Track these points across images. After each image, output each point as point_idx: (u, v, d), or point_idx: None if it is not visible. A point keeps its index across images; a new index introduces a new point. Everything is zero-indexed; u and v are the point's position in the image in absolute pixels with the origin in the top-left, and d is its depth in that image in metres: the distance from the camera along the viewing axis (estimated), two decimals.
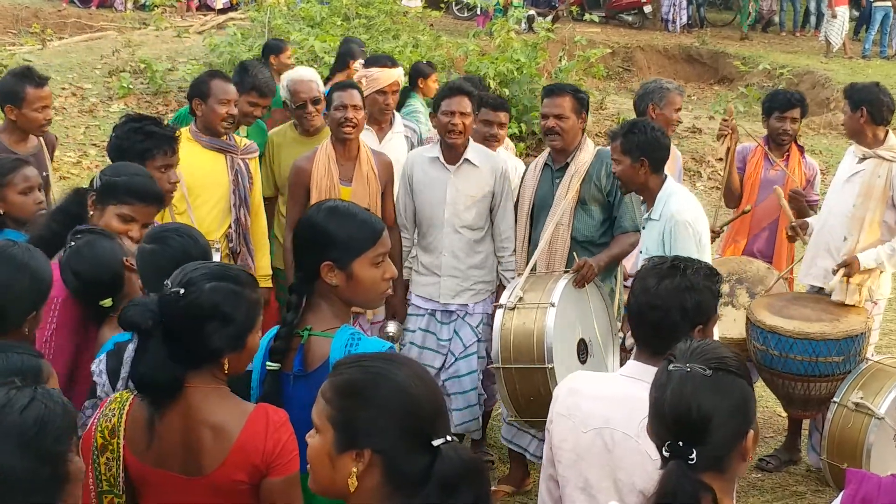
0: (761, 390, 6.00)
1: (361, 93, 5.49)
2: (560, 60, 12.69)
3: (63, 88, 12.69)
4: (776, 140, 6.31)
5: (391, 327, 5.51)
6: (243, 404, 2.67)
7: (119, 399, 2.68)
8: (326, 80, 7.27)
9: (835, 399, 5.26)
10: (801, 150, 6.46)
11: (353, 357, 2.22)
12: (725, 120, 6.24)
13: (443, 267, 5.52)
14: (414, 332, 5.61)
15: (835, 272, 5.55)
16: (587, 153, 5.39)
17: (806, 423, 6.05)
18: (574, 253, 5.26)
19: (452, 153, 5.49)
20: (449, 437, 2.02)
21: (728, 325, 5.67)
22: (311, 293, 3.02)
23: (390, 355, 2.20)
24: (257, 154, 5.65)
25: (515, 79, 12.20)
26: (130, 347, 2.94)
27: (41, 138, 5.57)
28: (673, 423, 2.13)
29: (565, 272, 5.15)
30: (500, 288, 5.53)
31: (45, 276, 3.08)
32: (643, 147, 4.87)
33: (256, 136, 6.03)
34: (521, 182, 5.64)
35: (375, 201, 5.38)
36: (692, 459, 2.09)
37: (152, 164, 4.20)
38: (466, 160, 5.48)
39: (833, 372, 5.32)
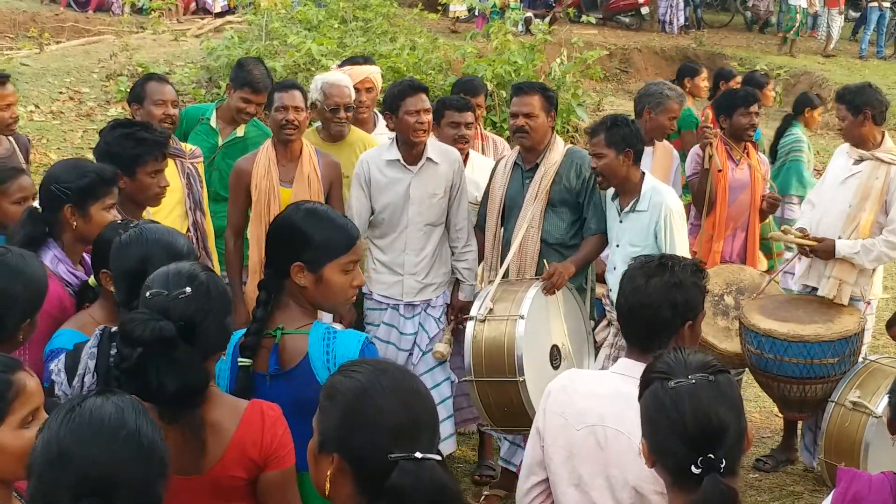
0: (758, 390, 6.02)
1: (304, 93, 5.44)
2: (559, 62, 12.66)
3: (60, 92, 12.70)
4: (742, 136, 6.27)
5: (440, 346, 5.46)
6: (236, 401, 2.70)
7: None
8: None
9: (832, 398, 5.27)
10: (755, 145, 6.47)
11: (355, 361, 2.23)
12: (707, 126, 6.17)
13: (406, 265, 5.48)
14: (378, 326, 5.55)
15: (799, 237, 5.57)
16: (557, 153, 5.36)
17: (801, 423, 6.06)
18: (544, 259, 5.24)
19: (413, 153, 5.41)
20: (419, 455, 1.96)
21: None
22: (279, 292, 3.04)
23: (385, 364, 2.17)
24: (202, 159, 5.58)
25: (513, 81, 12.19)
26: (88, 346, 2.97)
27: (12, 139, 5.56)
28: (699, 437, 2.12)
29: (535, 279, 5.14)
30: (456, 281, 5.57)
31: (39, 282, 3.04)
32: (628, 139, 4.97)
33: (256, 135, 6.01)
34: (491, 179, 5.60)
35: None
36: (722, 469, 2.10)
37: (143, 169, 4.23)
38: (429, 159, 5.41)
39: (828, 373, 5.33)
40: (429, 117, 5.37)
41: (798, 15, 20.41)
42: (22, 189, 4.28)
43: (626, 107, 14.59)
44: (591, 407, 2.83)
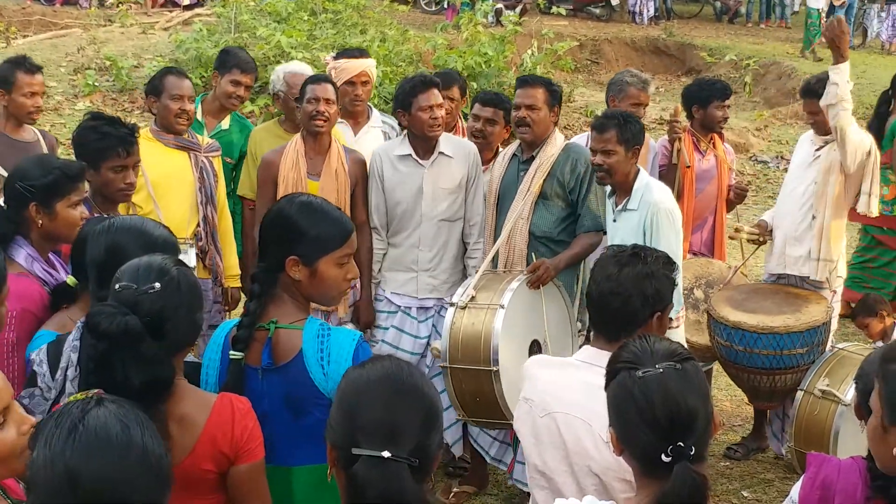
0: (729, 379, 6.05)
1: (336, 87, 5.42)
2: (530, 53, 12.67)
3: None
4: (714, 128, 6.27)
5: (438, 343, 5.32)
6: (205, 394, 2.70)
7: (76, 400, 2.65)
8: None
9: (801, 387, 5.30)
10: (721, 136, 6.51)
11: (378, 355, 2.25)
12: (676, 120, 6.11)
13: (420, 262, 5.43)
14: (387, 329, 5.48)
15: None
16: (554, 147, 5.33)
17: (769, 411, 6.10)
18: (532, 253, 5.22)
19: (426, 147, 5.39)
20: (386, 454, 1.96)
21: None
22: (272, 285, 3.03)
23: (393, 363, 2.15)
24: (220, 153, 5.62)
25: (483, 72, 12.21)
26: (71, 338, 2.94)
27: (40, 134, 5.69)
28: (669, 425, 2.13)
29: (521, 272, 5.11)
30: (465, 276, 5.50)
31: None
32: (637, 137, 4.90)
33: (239, 129, 6.00)
34: (491, 171, 5.60)
35: (344, 197, 5.29)
36: (691, 456, 2.11)
37: (106, 164, 4.15)
38: (441, 153, 5.39)
39: (797, 363, 5.37)
40: (442, 112, 5.33)
41: (822, 18, 20.38)
42: None
43: (596, 97, 14.64)
44: (553, 394, 2.84)
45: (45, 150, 5.57)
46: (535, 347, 5.01)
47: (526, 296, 5.00)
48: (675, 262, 3.06)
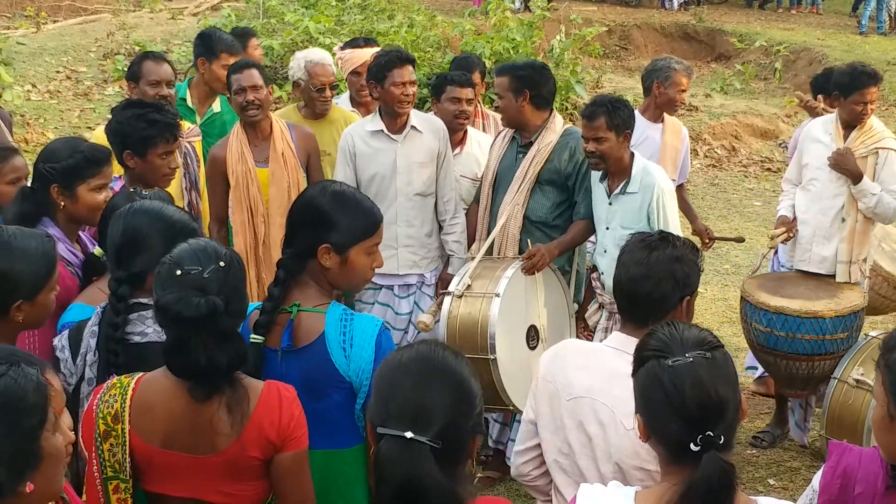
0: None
1: (262, 71, 5.36)
2: (558, 39, 12.60)
3: (57, 72, 12.66)
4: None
5: (424, 317, 5.39)
6: (252, 381, 2.71)
7: (119, 385, 2.67)
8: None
9: (835, 375, 5.28)
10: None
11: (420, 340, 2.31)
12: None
13: (399, 237, 5.43)
14: (372, 305, 5.52)
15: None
16: (553, 133, 5.31)
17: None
18: (528, 239, 5.22)
19: (397, 123, 5.39)
20: (409, 435, 1.98)
21: None
22: (300, 271, 3.06)
23: (429, 346, 2.19)
24: (200, 137, 5.57)
25: (511, 58, 12.16)
26: (90, 324, 2.97)
27: None
28: (698, 415, 2.12)
29: (517, 258, 5.12)
30: (444, 254, 5.57)
31: (34, 261, 2.96)
32: (627, 122, 4.95)
33: (229, 109, 5.88)
34: (490, 151, 5.61)
35: (296, 178, 5.31)
36: (720, 445, 2.11)
37: (154, 151, 4.24)
38: (413, 127, 5.40)
39: (837, 349, 5.38)
40: (414, 89, 5.36)
41: None
42: (15, 170, 4.24)
43: (625, 84, 14.54)
44: (580, 379, 2.84)
45: (6, 131, 5.45)
46: (532, 333, 5.03)
47: (521, 282, 5.03)
48: (699, 249, 3.05)
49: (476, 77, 6.17)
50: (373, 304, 5.53)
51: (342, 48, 6.20)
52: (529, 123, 5.31)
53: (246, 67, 5.31)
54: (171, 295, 2.55)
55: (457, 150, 5.82)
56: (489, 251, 5.28)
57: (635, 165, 5.00)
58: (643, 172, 4.96)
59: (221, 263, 2.63)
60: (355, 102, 5.99)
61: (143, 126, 4.24)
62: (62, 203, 3.74)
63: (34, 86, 12.05)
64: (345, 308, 3.06)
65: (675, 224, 4.96)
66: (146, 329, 3.03)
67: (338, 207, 3.05)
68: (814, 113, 6.44)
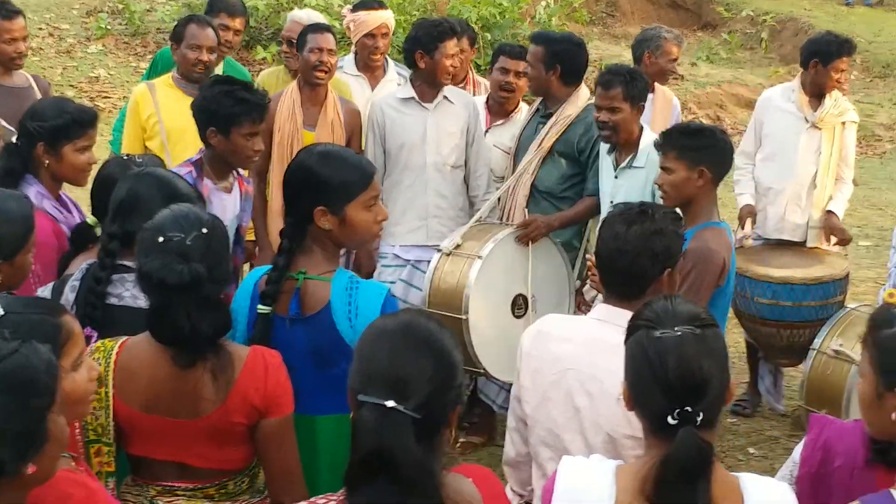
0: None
1: (336, 37, 5.36)
2: (545, 5, 12.55)
3: (40, 28, 12.51)
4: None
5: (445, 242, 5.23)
6: (237, 346, 2.71)
7: (102, 348, 2.68)
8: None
9: (814, 346, 5.29)
10: None
11: (407, 308, 2.28)
12: None
13: (429, 207, 5.39)
14: (394, 283, 5.37)
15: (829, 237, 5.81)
16: (574, 107, 5.27)
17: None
18: (527, 209, 5.20)
19: (433, 92, 5.36)
20: (390, 404, 1.92)
21: None
22: (302, 238, 3.04)
23: (413, 314, 2.15)
24: None
25: (498, 23, 12.12)
26: (72, 279, 2.98)
27: (33, 79, 5.56)
28: (680, 389, 2.12)
29: (511, 226, 5.10)
30: None
31: (13, 222, 3.01)
32: (643, 94, 4.89)
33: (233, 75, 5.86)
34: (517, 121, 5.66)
35: None
36: (698, 422, 2.11)
37: (239, 130, 4.10)
38: (444, 97, 5.37)
39: (833, 312, 5.40)
40: (457, 62, 5.42)
41: None
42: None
43: (611, 51, 14.50)
44: (565, 351, 2.84)
45: (39, 95, 5.45)
46: (519, 301, 5.02)
47: (512, 249, 5.02)
48: (681, 218, 3.07)
49: (465, 43, 6.11)
50: (395, 281, 5.38)
51: (353, 10, 6.09)
52: (555, 95, 5.30)
53: (326, 30, 5.34)
54: (153, 262, 2.54)
55: (501, 121, 5.77)
56: (500, 218, 5.31)
57: (643, 140, 4.90)
58: (650, 149, 4.78)
59: (204, 230, 2.60)
60: (364, 66, 5.90)
61: (229, 103, 4.08)
62: (47, 161, 3.76)
63: None
64: (351, 275, 3.04)
65: None
66: (123, 292, 3.04)
67: (325, 167, 3.02)
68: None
